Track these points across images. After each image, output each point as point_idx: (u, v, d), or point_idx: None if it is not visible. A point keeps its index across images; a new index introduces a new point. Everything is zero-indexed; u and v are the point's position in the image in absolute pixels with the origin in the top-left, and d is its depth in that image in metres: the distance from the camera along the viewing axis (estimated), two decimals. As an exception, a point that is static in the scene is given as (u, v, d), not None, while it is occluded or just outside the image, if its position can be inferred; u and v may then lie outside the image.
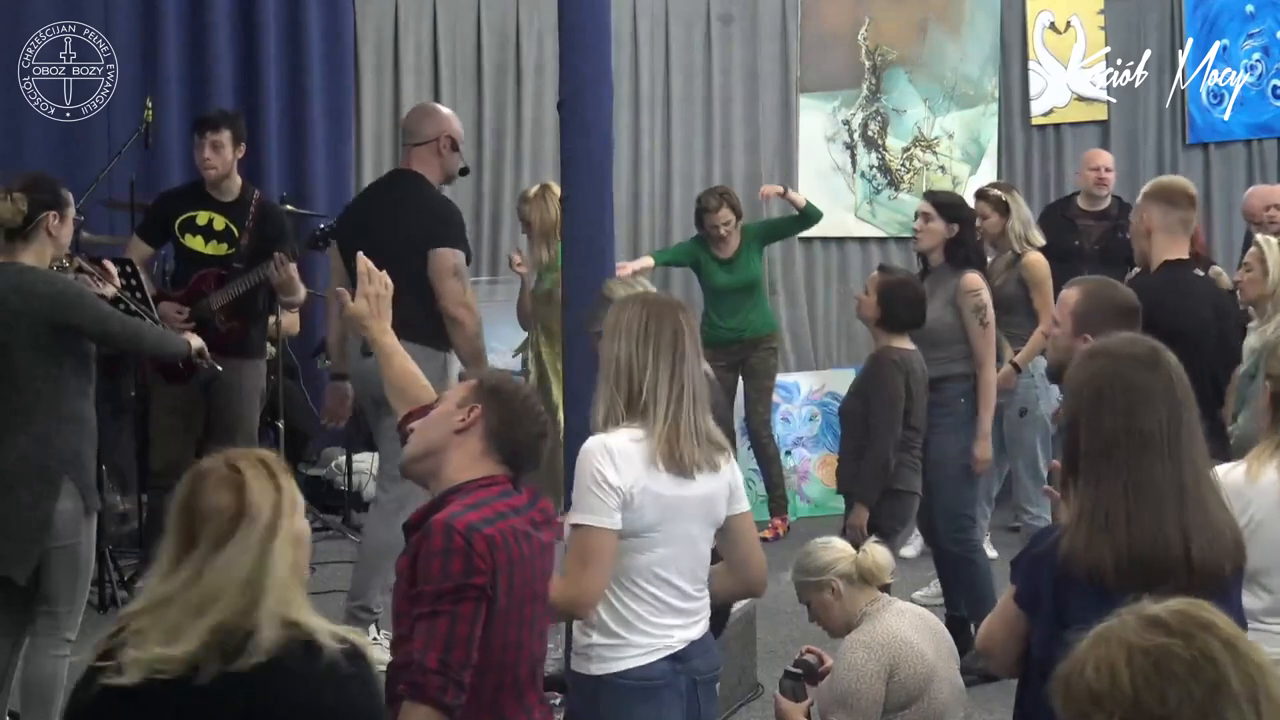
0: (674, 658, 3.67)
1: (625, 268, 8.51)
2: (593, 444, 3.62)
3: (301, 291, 6.99)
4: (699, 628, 3.75)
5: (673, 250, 9.10)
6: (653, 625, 3.66)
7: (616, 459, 3.58)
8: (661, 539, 3.63)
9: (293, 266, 6.76)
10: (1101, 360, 3.06)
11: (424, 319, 6.12)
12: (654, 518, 3.62)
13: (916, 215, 6.88)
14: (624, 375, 3.67)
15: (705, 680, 3.77)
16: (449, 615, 3.08)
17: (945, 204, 6.80)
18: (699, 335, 3.85)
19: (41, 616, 5.08)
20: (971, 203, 7.28)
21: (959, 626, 6.24)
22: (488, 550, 3.12)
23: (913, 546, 7.91)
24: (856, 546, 5.19)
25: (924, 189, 10.37)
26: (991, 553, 7.45)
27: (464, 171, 6.63)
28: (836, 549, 4.75)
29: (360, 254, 4.01)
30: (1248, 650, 1.73)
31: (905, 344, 6.06)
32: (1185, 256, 5.48)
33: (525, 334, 7.79)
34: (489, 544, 3.13)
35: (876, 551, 4.70)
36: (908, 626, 4.58)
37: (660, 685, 3.66)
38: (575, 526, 3.58)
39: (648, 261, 8.64)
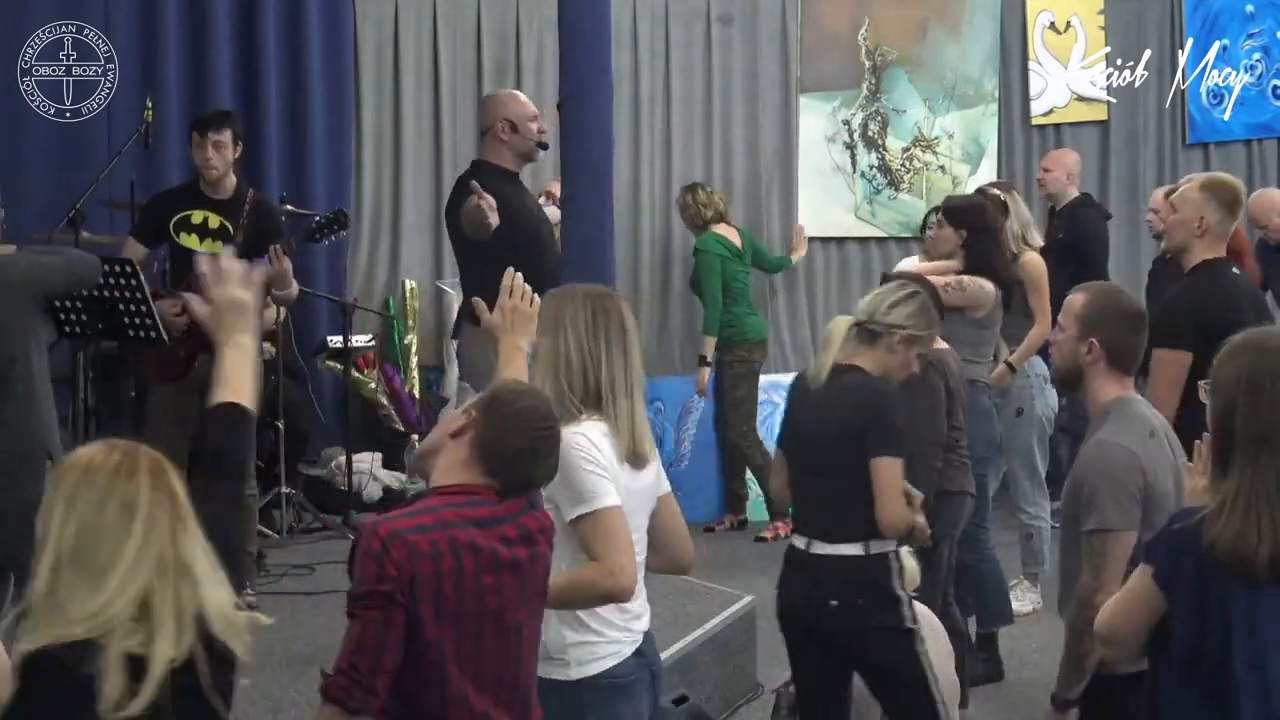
0: (637, 652, 3.66)
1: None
2: (571, 436, 3.55)
3: (294, 286, 6.97)
4: (647, 617, 3.75)
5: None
6: (619, 620, 3.63)
7: (599, 445, 3.58)
8: None
9: (288, 260, 6.75)
10: (1255, 353, 3.12)
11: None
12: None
13: (935, 221, 6.90)
14: (575, 370, 3.65)
15: (657, 671, 3.78)
16: (360, 619, 3.06)
17: (952, 210, 6.79)
18: (636, 326, 3.84)
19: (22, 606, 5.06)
20: None
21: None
22: (405, 558, 3.06)
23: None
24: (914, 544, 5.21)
25: (924, 189, 10.39)
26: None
27: (543, 146, 6.58)
28: None
29: (510, 269, 3.86)
30: None
31: (937, 344, 5.98)
32: (1223, 256, 5.44)
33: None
34: (409, 551, 3.07)
35: (907, 561, 4.69)
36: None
37: (634, 681, 3.65)
38: (586, 516, 3.53)
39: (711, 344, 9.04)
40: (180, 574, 2.65)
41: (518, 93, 6.87)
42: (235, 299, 3.23)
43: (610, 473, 3.57)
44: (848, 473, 4.47)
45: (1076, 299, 4.10)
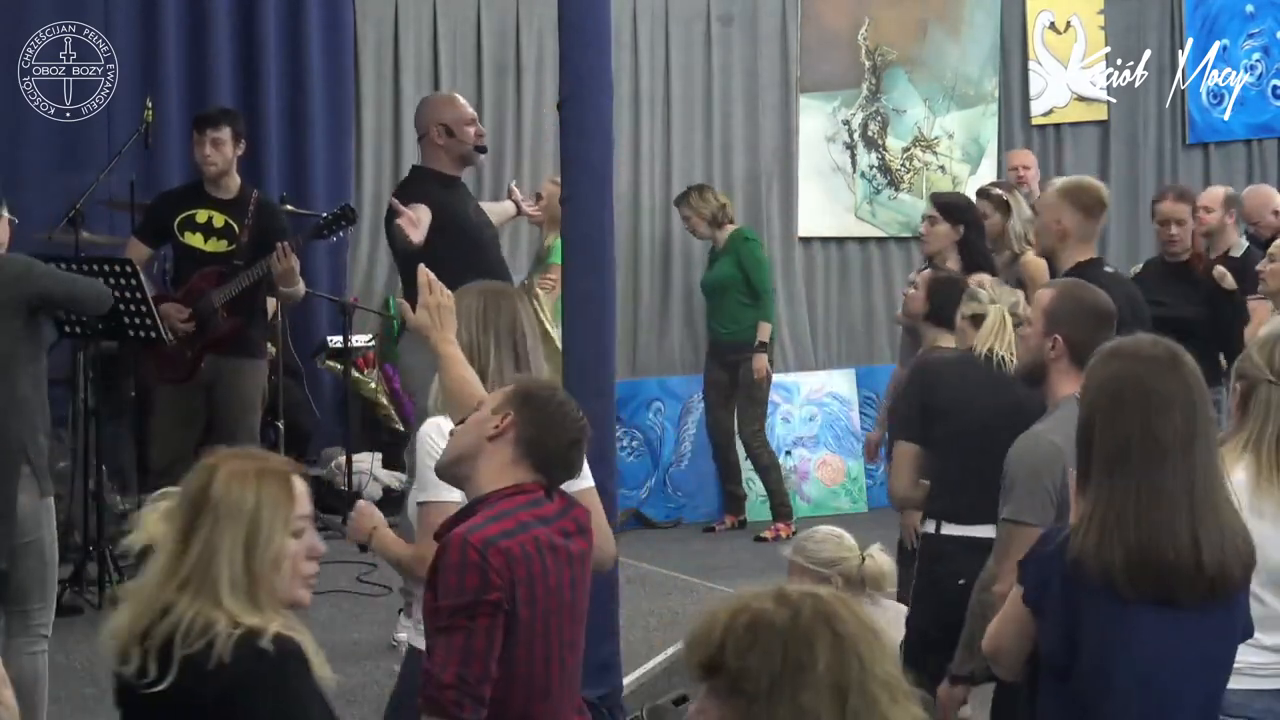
0: None
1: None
2: (429, 426, 3.78)
3: (301, 285, 6.97)
4: None
5: None
6: None
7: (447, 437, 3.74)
8: None
9: (294, 258, 6.75)
10: (1121, 361, 3.06)
11: None
12: None
13: (923, 218, 6.87)
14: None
15: None
16: (465, 630, 3.07)
17: (949, 205, 6.78)
18: (534, 322, 4.02)
19: (14, 616, 5.04)
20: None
21: None
22: (504, 565, 3.10)
23: None
24: (908, 548, 5.22)
25: (924, 189, 10.38)
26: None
27: (480, 149, 6.61)
28: (846, 547, 4.72)
29: (421, 265, 4.01)
30: (860, 649, 1.82)
31: (951, 342, 5.94)
32: (1095, 256, 5.55)
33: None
34: (506, 558, 3.11)
35: (883, 560, 4.68)
36: (887, 627, 4.57)
37: None
38: (421, 504, 3.72)
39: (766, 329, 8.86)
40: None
41: (455, 95, 6.91)
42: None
43: None
44: None
45: (1044, 294, 4.08)
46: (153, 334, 6.57)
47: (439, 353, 3.83)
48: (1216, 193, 8.43)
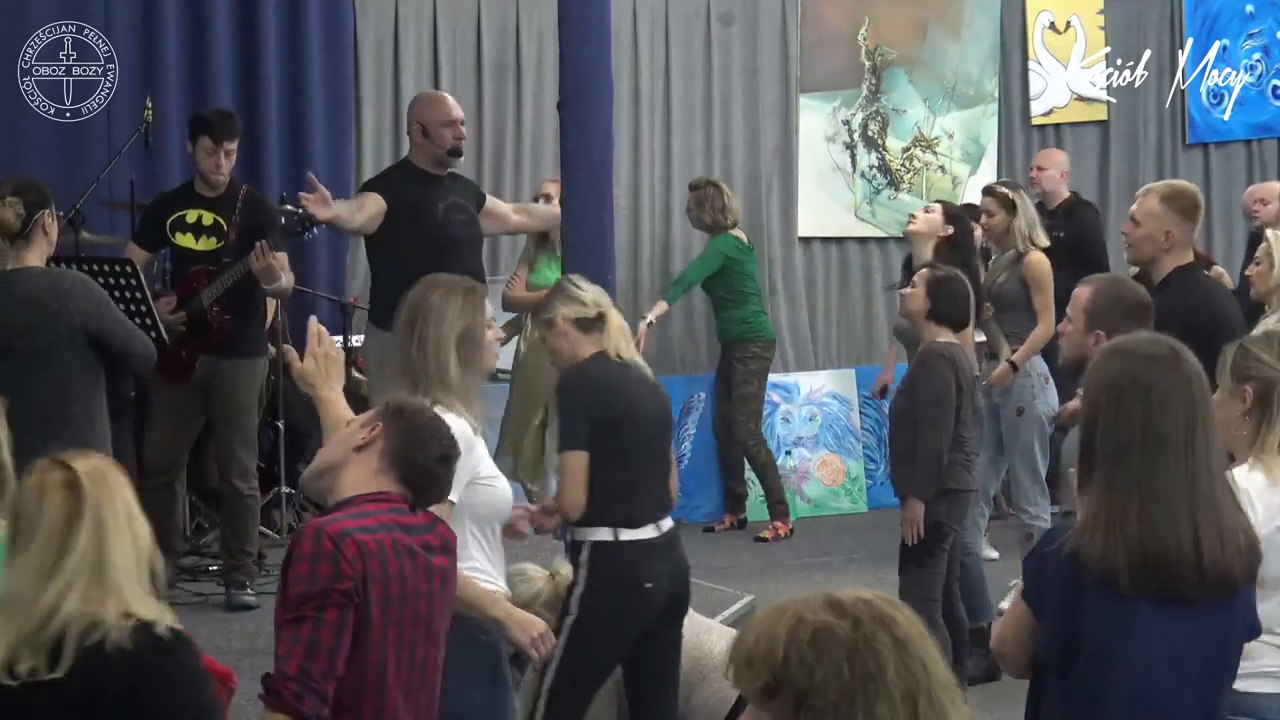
0: None
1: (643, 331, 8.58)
2: None
3: (281, 279, 6.90)
4: None
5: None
6: None
7: None
8: None
9: (281, 256, 6.71)
10: (1121, 360, 3.06)
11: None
12: None
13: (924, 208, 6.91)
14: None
15: None
16: (312, 621, 3.01)
17: (950, 207, 6.85)
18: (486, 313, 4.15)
19: None
20: (978, 200, 7.31)
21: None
22: (358, 556, 3.06)
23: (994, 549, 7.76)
24: (913, 544, 5.29)
25: (924, 189, 10.39)
26: (991, 553, 7.45)
27: (453, 153, 6.66)
28: (529, 579, 4.82)
29: (312, 318, 4.08)
30: (920, 653, 1.80)
31: (951, 338, 5.91)
32: (1192, 261, 5.42)
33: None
34: (360, 550, 3.07)
35: (569, 570, 4.75)
36: None
37: None
38: None
39: (661, 308, 8.76)
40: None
41: (442, 97, 6.96)
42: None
43: None
44: (665, 453, 4.84)
45: (1083, 291, 4.17)
46: (152, 334, 6.56)
47: (319, 399, 3.84)
48: (1274, 186, 8.41)
